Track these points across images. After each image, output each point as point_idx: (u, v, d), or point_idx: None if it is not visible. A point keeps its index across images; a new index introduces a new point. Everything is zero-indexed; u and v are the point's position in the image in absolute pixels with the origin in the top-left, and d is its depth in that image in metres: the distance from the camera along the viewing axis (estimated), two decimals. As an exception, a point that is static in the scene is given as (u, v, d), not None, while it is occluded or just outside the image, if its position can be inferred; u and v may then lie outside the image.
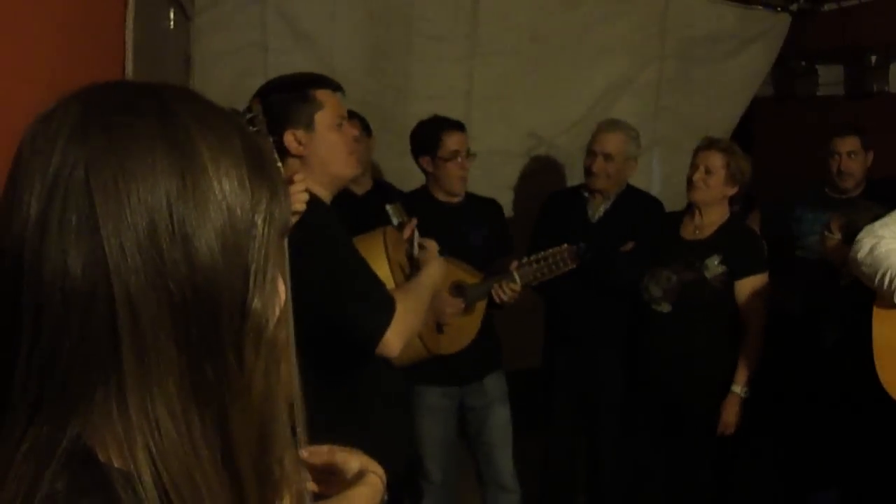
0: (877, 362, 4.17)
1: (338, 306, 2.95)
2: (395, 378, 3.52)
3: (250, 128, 2.78)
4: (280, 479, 1.13)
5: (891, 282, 4.07)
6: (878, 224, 4.29)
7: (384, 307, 3.09)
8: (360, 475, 1.83)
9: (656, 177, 7.05)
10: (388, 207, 4.00)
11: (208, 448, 1.01)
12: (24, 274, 0.96)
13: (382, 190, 5.70)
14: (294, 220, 2.76)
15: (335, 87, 3.33)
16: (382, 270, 3.35)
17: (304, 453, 1.86)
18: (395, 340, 3.09)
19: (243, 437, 1.04)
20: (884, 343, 4.20)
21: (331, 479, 1.86)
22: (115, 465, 0.97)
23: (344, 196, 4.58)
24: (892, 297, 4.08)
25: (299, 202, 2.84)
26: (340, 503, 1.85)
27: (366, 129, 5.74)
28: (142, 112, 1.01)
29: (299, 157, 3.18)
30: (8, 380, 0.98)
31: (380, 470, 1.87)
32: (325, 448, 1.88)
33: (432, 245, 3.82)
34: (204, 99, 1.10)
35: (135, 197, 0.96)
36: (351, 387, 3.21)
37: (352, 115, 5.63)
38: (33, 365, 0.97)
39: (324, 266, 2.98)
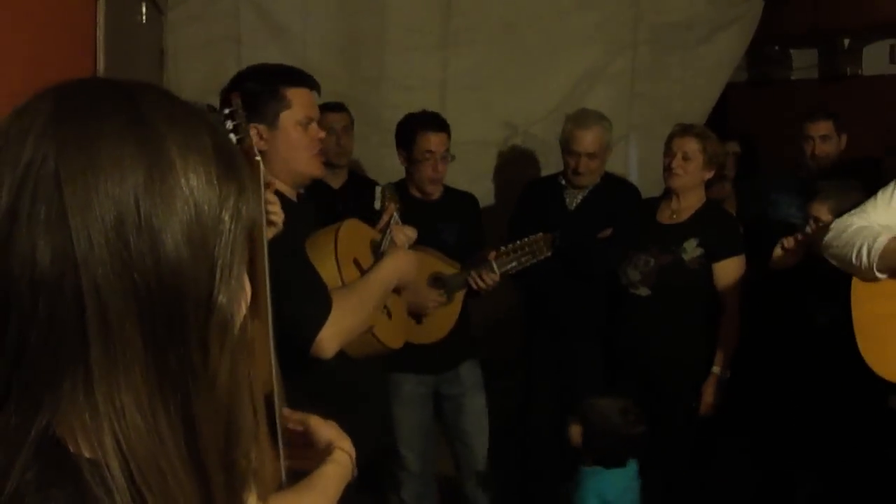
0: (860, 343, 4.16)
1: (275, 306, 2.92)
2: (359, 369, 3.50)
3: (231, 122, 2.78)
4: (247, 472, 1.14)
5: (869, 251, 4.03)
6: (847, 214, 4.28)
7: (318, 309, 3.07)
8: (328, 450, 1.85)
9: (633, 163, 7.05)
10: (377, 189, 3.98)
11: (173, 437, 1.02)
12: None
13: (357, 183, 5.68)
14: (273, 231, 2.75)
15: (311, 84, 3.31)
16: (328, 269, 3.31)
17: (285, 410, 1.88)
18: (329, 342, 3.07)
19: (208, 429, 1.05)
20: (865, 321, 4.19)
21: (301, 451, 1.88)
22: (85, 455, 0.98)
23: (319, 188, 4.57)
24: (873, 269, 4.04)
25: (274, 214, 2.82)
26: (312, 482, 1.87)
27: (349, 121, 5.74)
28: (112, 109, 1.03)
29: (260, 152, 3.14)
30: None
31: (348, 445, 1.88)
32: (302, 413, 1.89)
33: (407, 235, 3.80)
34: (175, 97, 1.11)
35: (103, 190, 0.97)
36: (309, 382, 3.18)
37: (338, 108, 5.64)
38: (1, 355, 0.97)
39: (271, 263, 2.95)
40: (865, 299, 4.20)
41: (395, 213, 3.83)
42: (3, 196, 0.97)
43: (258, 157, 2.81)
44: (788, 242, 4.82)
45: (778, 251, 4.88)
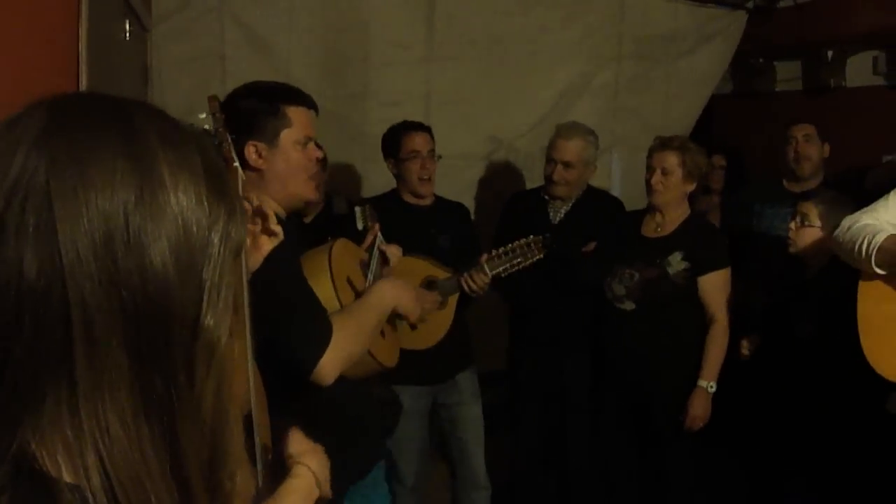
0: (863, 342, 4.18)
1: (273, 331, 2.85)
2: (358, 390, 3.48)
3: (211, 124, 2.77)
4: (231, 494, 1.13)
5: (868, 245, 4.07)
6: (859, 211, 4.33)
7: (319, 335, 3.00)
8: (288, 463, 1.83)
9: (616, 176, 7.08)
10: (357, 209, 3.97)
11: (157, 457, 1.01)
12: None
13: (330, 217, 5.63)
14: (274, 242, 2.71)
15: (310, 104, 3.27)
16: (325, 289, 3.26)
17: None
18: (329, 369, 3.00)
19: (192, 450, 1.05)
20: (869, 320, 4.21)
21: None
22: (65, 479, 0.97)
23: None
24: (871, 262, 4.08)
25: (268, 243, 2.78)
26: (274, 502, 1.85)
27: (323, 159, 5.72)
28: (106, 123, 1.03)
29: (257, 170, 3.11)
30: None
31: (314, 462, 1.86)
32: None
33: (395, 251, 3.79)
34: (168, 116, 1.11)
35: (93, 205, 0.97)
36: (299, 408, 3.13)
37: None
38: None
39: (264, 287, 2.88)
40: (872, 300, 4.23)
41: (379, 233, 3.82)
42: None
43: (236, 163, 2.79)
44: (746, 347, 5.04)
45: (743, 351, 5.06)
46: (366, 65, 6.45)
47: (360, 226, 3.88)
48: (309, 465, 1.84)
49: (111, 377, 0.98)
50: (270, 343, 2.67)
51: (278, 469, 1.96)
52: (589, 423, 5.50)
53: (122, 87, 4.68)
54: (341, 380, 3.10)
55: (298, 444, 1.85)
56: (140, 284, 0.99)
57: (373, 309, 3.32)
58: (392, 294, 3.44)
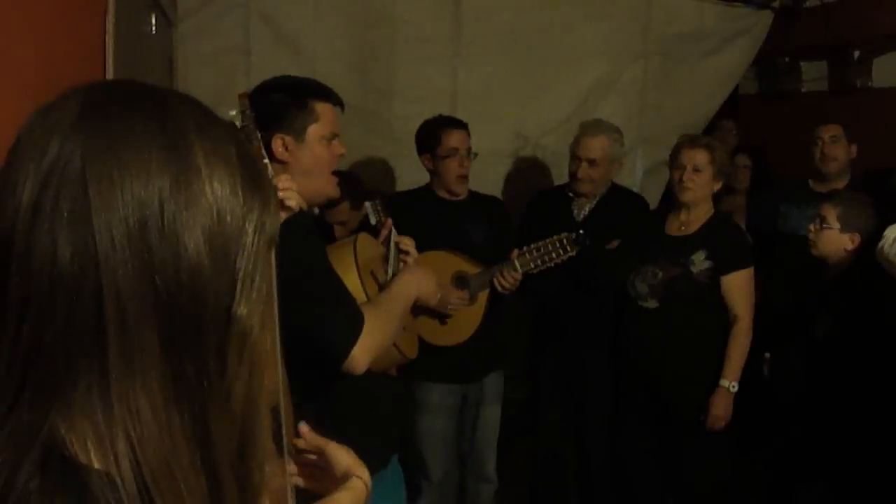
0: None
1: (305, 320, 2.88)
2: (379, 382, 3.50)
3: (240, 121, 2.78)
4: (259, 485, 1.13)
5: None
6: None
7: (352, 324, 3.03)
8: (345, 477, 1.83)
9: (639, 174, 7.05)
10: (367, 205, 3.97)
11: (187, 445, 1.01)
12: (12, 259, 0.97)
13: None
14: (283, 216, 2.73)
15: (336, 101, 3.29)
16: (352, 282, 3.27)
17: (304, 428, 1.85)
18: (361, 358, 3.02)
19: (222, 439, 1.05)
20: None
21: (317, 473, 1.86)
22: (95, 466, 0.97)
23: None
24: None
25: (291, 199, 2.82)
26: None
27: None
28: (142, 111, 1.03)
29: (283, 162, 3.13)
30: None
31: (366, 475, 1.86)
32: (322, 438, 1.87)
33: (409, 242, 3.78)
34: (204, 107, 1.11)
35: (128, 191, 0.97)
36: (326, 398, 3.16)
37: None
38: (18, 349, 0.97)
39: (294, 277, 2.90)
40: None
41: (392, 227, 3.82)
42: (27, 191, 0.97)
43: (266, 160, 2.81)
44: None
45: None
46: (392, 61, 6.45)
47: (372, 221, 3.88)
48: (363, 478, 1.84)
49: (143, 364, 0.98)
50: (301, 334, 2.69)
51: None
52: (610, 421, 5.50)
53: (148, 81, 4.68)
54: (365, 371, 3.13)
55: (348, 455, 1.85)
56: (174, 272, 0.99)
57: (399, 299, 3.35)
58: (415, 282, 3.47)
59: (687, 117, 7.06)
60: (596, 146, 5.37)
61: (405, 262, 3.71)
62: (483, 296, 4.92)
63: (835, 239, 4.76)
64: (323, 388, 3.10)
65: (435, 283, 3.63)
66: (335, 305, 3.04)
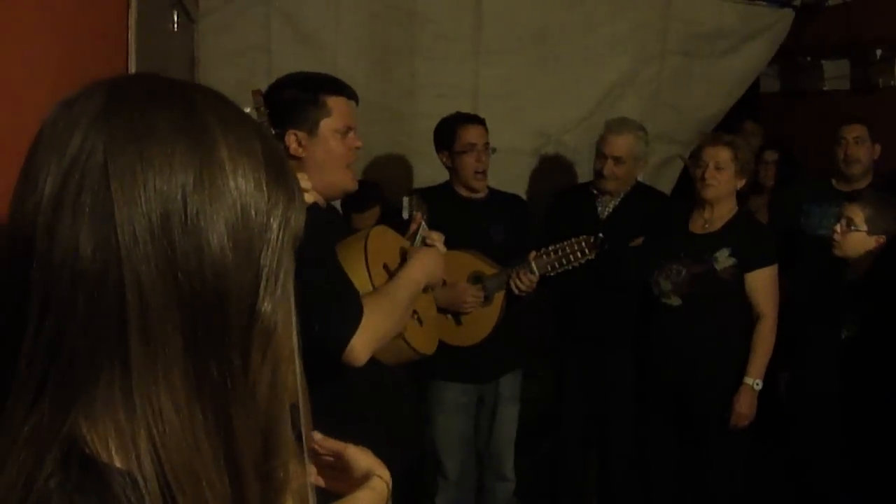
0: None
1: (305, 312, 2.85)
2: (388, 378, 3.48)
3: (255, 118, 2.79)
4: (283, 484, 1.11)
5: None
6: None
7: (349, 315, 3.01)
8: (366, 477, 1.82)
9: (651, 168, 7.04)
10: (405, 199, 3.98)
11: (210, 444, 1.00)
12: (34, 253, 0.96)
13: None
14: None
15: (350, 94, 3.30)
16: (359, 273, 3.26)
17: (317, 436, 1.84)
18: (360, 349, 3.01)
19: (246, 438, 1.03)
20: None
21: (337, 474, 1.85)
22: (116, 464, 0.96)
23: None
24: None
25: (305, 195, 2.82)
26: None
27: None
28: (167, 104, 1.02)
29: (297, 158, 3.15)
30: (14, 359, 0.97)
31: (387, 474, 1.85)
32: (338, 442, 1.86)
33: (437, 237, 3.77)
34: (229, 101, 1.10)
35: (151, 185, 0.97)
36: (332, 392, 3.14)
37: None
38: (39, 345, 0.96)
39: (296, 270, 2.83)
40: None
41: (422, 222, 3.81)
42: (49, 184, 0.97)
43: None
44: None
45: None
46: (413, 59, 6.44)
47: (405, 215, 3.89)
48: (385, 478, 1.83)
49: (165, 361, 0.97)
50: (303, 325, 2.68)
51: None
52: (632, 418, 5.49)
53: (171, 77, 4.70)
54: (376, 365, 3.12)
55: (367, 456, 1.84)
56: (197, 267, 0.98)
57: (403, 286, 3.33)
58: (420, 266, 3.43)
59: (702, 113, 7.06)
60: (622, 144, 5.38)
61: None
62: (499, 296, 4.91)
63: (862, 241, 4.73)
64: (325, 382, 3.10)
65: (441, 265, 3.59)
66: (333, 297, 3.02)
